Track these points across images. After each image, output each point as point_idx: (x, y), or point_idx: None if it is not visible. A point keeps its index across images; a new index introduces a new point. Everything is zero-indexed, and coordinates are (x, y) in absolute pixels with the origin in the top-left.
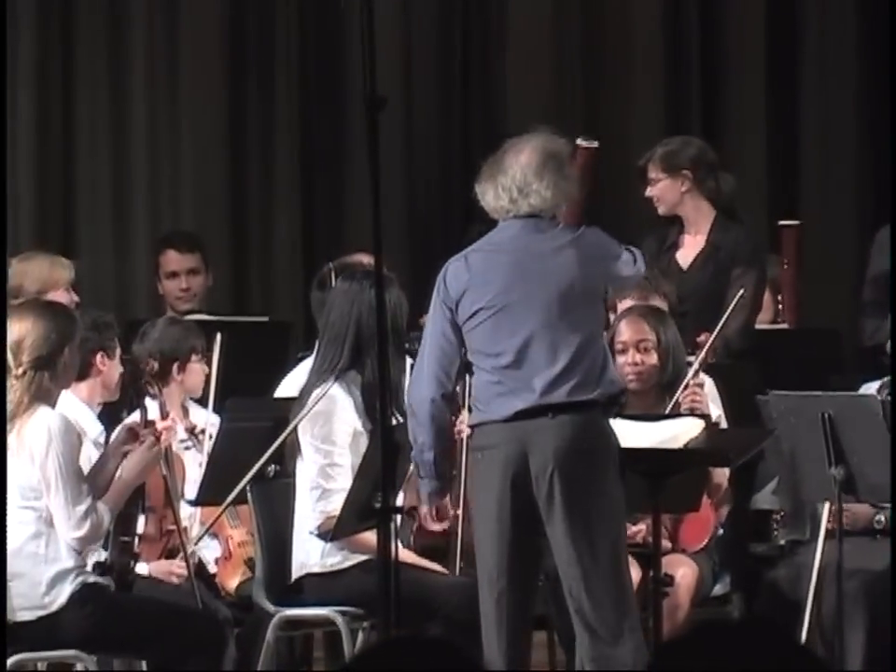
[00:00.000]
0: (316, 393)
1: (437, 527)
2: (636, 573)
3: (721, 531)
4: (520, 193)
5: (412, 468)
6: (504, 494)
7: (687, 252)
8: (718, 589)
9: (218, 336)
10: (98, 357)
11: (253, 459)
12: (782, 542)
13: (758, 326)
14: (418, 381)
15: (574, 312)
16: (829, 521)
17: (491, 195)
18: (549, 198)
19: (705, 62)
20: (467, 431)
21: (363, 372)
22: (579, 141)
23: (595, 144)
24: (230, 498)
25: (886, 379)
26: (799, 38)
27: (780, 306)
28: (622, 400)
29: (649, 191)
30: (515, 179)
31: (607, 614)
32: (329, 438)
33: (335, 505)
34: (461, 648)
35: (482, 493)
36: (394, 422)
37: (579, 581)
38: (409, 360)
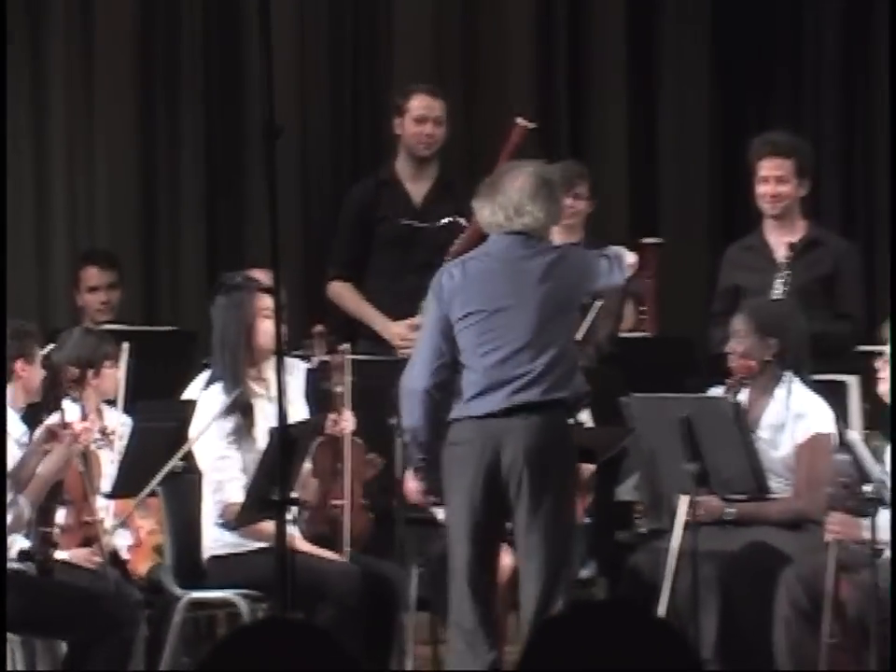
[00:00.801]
0: (202, 396)
1: (421, 499)
2: (509, 559)
3: (587, 520)
4: (515, 212)
5: (306, 464)
6: (477, 482)
7: None
8: (585, 573)
9: (125, 345)
10: (19, 363)
11: (161, 456)
12: (643, 531)
13: (622, 334)
14: (411, 373)
15: (554, 320)
16: (686, 513)
17: (488, 211)
18: (541, 219)
19: (571, 77)
20: (350, 428)
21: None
22: (518, 119)
23: (533, 125)
24: (140, 496)
25: (729, 381)
26: (656, 67)
27: (642, 316)
28: (586, 401)
29: (575, 203)
30: (512, 200)
31: (554, 580)
32: (216, 434)
33: (229, 493)
34: (326, 631)
35: (457, 480)
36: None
37: (541, 546)
38: (305, 364)
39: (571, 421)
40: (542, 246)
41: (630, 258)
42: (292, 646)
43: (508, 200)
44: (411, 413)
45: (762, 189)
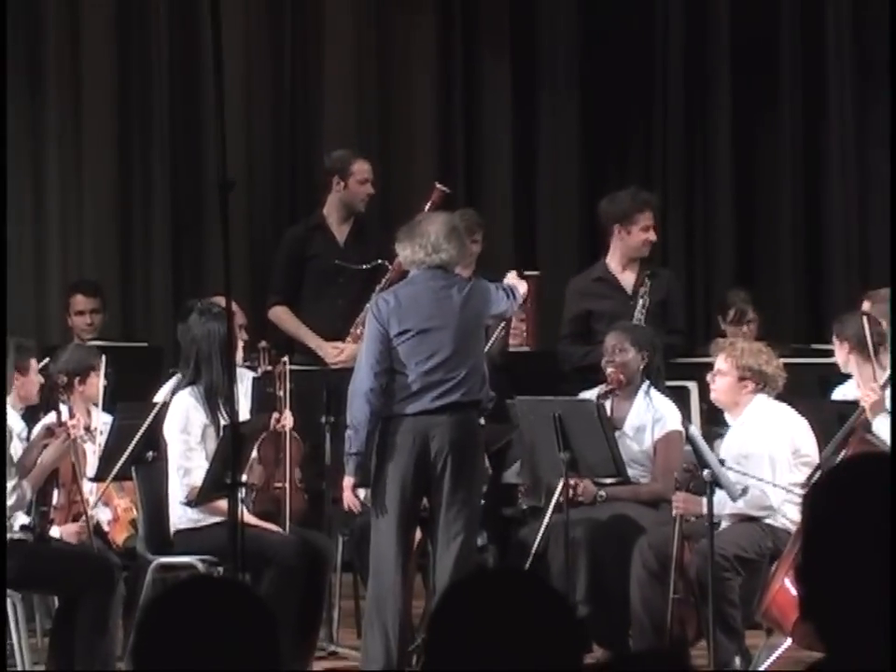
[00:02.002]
0: (165, 397)
1: (355, 503)
2: (417, 533)
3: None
4: (433, 250)
5: (253, 454)
6: (409, 466)
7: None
8: (478, 542)
9: (104, 357)
10: (14, 373)
11: (135, 447)
12: (524, 507)
13: (511, 349)
14: (357, 377)
15: (469, 338)
16: (560, 495)
17: (409, 250)
18: (454, 256)
19: (467, 139)
20: (289, 425)
21: (203, 382)
22: (437, 184)
23: (448, 190)
24: (111, 475)
25: (603, 388)
26: (536, 133)
27: (526, 334)
28: (492, 404)
29: (471, 246)
30: (430, 240)
31: (468, 545)
32: (185, 429)
33: (194, 478)
34: (247, 586)
35: (392, 464)
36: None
37: (456, 520)
38: (251, 373)
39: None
40: (457, 278)
41: (522, 287)
42: (216, 599)
43: (427, 240)
44: (357, 410)
45: (645, 237)
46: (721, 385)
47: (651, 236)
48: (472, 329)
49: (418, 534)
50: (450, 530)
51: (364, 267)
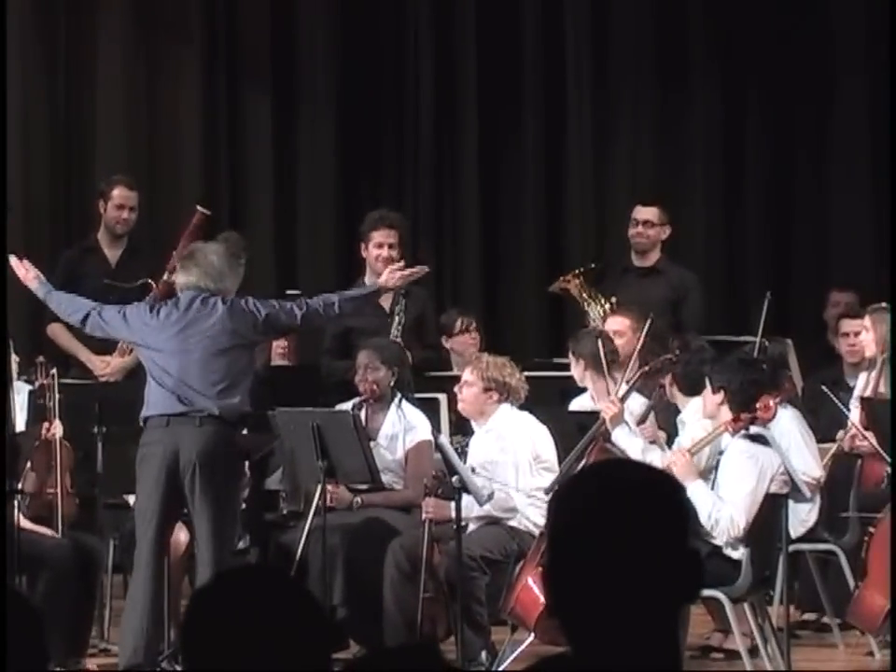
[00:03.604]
0: None
1: None
2: (184, 536)
3: (244, 505)
4: (205, 275)
5: (28, 463)
6: (160, 476)
7: None
8: (241, 545)
9: None
10: None
11: None
12: (285, 512)
13: (273, 363)
14: None
15: (225, 353)
16: (319, 500)
17: (183, 276)
18: (226, 282)
19: (230, 166)
20: (59, 433)
21: None
22: (198, 207)
23: (209, 212)
24: None
25: (357, 400)
26: (296, 158)
27: (287, 350)
28: (250, 418)
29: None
30: (203, 267)
31: (222, 550)
32: None
33: None
34: (12, 587)
35: (144, 474)
36: None
37: (211, 525)
38: (28, 387)
39: (245, 431)
40: (217, 300)
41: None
42: None
43: (201, 266)
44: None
45: (377, 253)
46: (468, 395)
47: (383, 252)
48: (229, 344)
49: (186, 536)
50: (206, 535)
51: (126, 286)
